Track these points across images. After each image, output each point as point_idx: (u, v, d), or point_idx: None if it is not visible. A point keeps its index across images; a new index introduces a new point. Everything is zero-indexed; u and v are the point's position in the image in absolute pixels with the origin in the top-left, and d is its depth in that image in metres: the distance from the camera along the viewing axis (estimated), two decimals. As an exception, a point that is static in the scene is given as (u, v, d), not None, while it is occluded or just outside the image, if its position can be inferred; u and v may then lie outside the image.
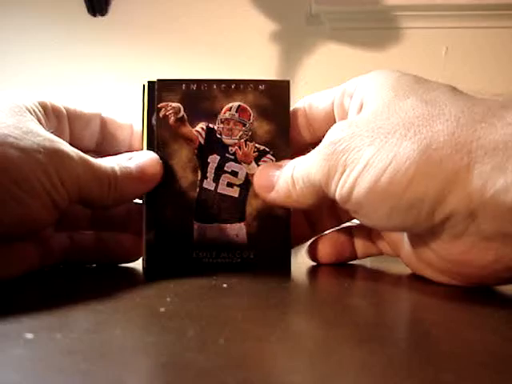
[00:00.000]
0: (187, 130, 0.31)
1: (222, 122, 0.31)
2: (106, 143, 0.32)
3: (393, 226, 0.25)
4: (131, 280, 0.27)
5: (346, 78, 0.30)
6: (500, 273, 0.24)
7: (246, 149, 0.31)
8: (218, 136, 0.31)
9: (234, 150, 0.31)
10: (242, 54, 1.10)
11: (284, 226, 0.31)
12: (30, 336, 0.16)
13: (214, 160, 0.31)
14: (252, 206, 0.31)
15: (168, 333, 0.17)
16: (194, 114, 0.31)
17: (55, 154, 0.25)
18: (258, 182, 0.30)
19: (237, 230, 0.31)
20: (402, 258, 0.30)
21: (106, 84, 1.02)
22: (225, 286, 0.25)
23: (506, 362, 0.15)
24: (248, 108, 0.31)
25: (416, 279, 0.30)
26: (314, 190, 0.26)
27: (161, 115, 0.31)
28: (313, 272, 0.32)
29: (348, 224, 0.34)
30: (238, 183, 0.31)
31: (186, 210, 0.31)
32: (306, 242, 0.34)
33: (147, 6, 1.14)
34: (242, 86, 0.31)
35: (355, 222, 0.33)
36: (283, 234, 0.31)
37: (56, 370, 0.14)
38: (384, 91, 0.25)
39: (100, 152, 0.32)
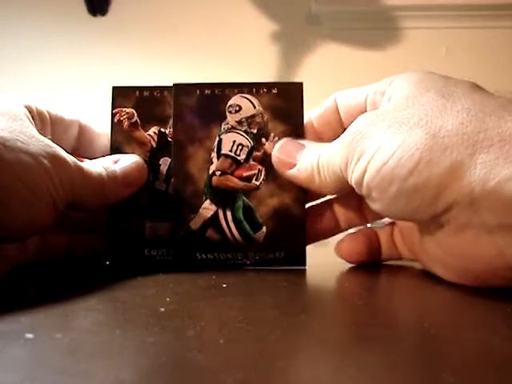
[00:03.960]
0: (140, 133, 0.33)
1: None
2: (81, 149, 0.33)
3: (399, 211, 0.26)
4: (131, 280, 0.27)
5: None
6: (504, 271, 0.23)
7: None
8: (170, 139, 0.32)
9: None
10: (242, 54, 1.10)
11: None
12: (30, 336, 0.16)
13: (165, 162, 0.33)
14: None
15: (168, 333, 0.17)
16: (146, 119, 0.33)
17: (56, 159, 0.26)
18: (279, 156, 0.31)
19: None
20: (417, 257, 0.30)
21: (106, 83, 1.03)
22: (224, 285, 0.25)
23: (506, 361, 0.15)
24: None
25: (414, 280, 0.30)
26: (336, 177, 0.28)
27: (115, 120, 0.33)
28: (312, 272, 0.32)
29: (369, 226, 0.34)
30: None
31: (138, 210, 0.32)
32: (326, 238, 0.34)
33: (147, 7, 1.14)
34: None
35: (379, 222, 0.33)
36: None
37: (56, 369, 0.14)
38: (408, 87, 0.26)
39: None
